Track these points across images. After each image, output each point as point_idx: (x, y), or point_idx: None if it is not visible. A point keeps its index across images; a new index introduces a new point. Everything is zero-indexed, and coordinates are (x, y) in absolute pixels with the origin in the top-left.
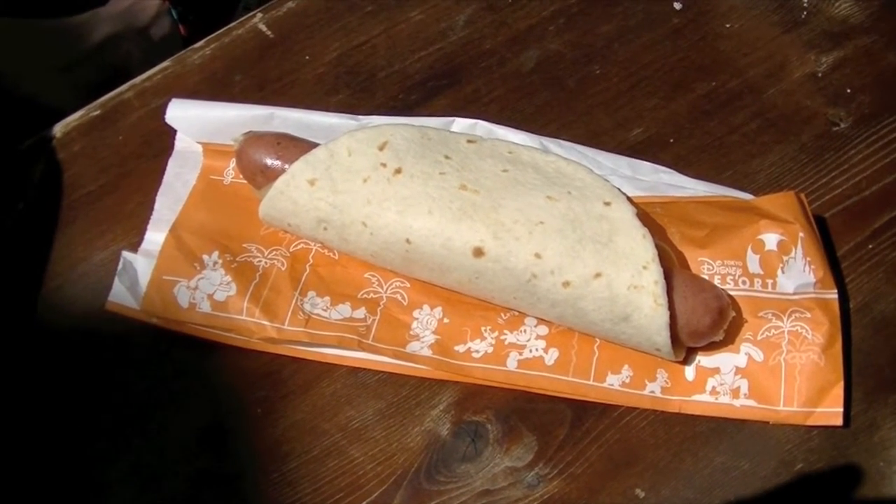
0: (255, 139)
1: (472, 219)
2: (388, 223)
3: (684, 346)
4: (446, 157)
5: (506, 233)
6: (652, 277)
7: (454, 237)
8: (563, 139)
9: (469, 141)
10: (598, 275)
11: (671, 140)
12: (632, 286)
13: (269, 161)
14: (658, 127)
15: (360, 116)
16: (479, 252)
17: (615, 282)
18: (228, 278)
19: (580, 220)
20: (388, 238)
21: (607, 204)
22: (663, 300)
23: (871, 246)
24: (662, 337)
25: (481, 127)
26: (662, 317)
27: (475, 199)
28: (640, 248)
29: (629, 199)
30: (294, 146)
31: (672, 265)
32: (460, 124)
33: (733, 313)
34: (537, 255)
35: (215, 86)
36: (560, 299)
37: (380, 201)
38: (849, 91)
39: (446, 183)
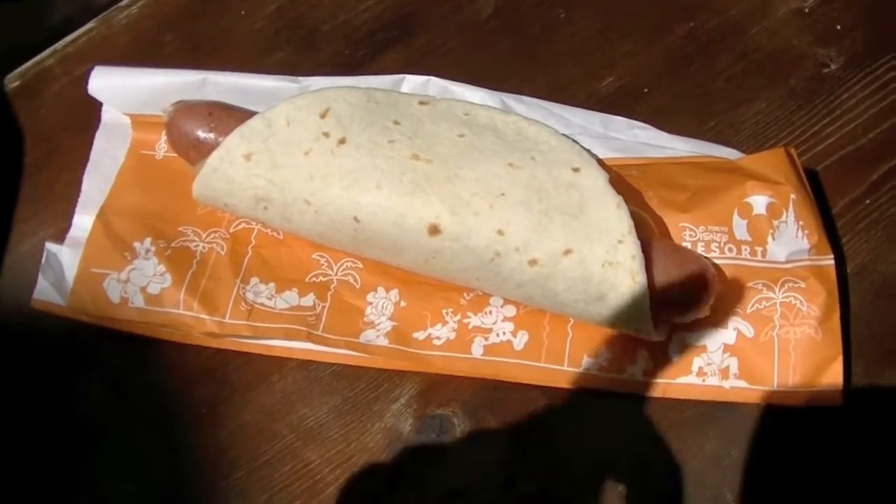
0: (185, 110)
1: (426, 192)
2: (333, 200)
3: (667, 325)
4: (395, 123)
5: (464, 207)
6: (629, 252)
7: (407, 214)
8: (527, 95)
9: (421, 103)
10: (568, 251)
11: (647, 90)
12: (606, 262)
13: (201, 134)
14: (632, 75)
15: (301, 78)
16: (434, 230)
17: (588, 258)
18: (162, 268)
19: (546, 189)
20: (334, 217)
21: (576, 170)
22: (642, 277)
23: (868, 201)
24: (642, 317)
25: (435, 85)
26: (642, 295)
27: (429, 170)
28: (614, 219)
29: (601, 162)
30: (228, 116)
31: (651, 235)
32: (412, 82)
33: (720, 286)
34: (500, 232)
35: (145, 48)
36: (527, 279)
37: (323, 176)
38: (839, 28)
39: (396, 152)
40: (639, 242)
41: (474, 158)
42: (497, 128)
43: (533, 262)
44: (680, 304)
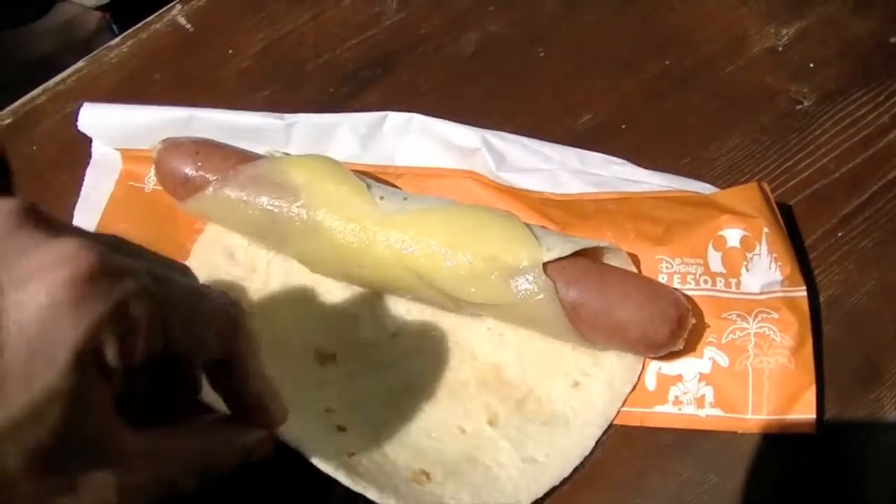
0: (172, 148)
1: None
2: None
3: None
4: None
5: None
6: None
7: None
8: (507, 130)
9: None
10: None
11: (623, 126)
12: None
13: (188, 172)
14: (609, 112)
15: (287, 115)
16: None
17: None
18: None
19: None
20: None
21: None
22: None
23: (840, 234)
24: None
25: (417, 121)
26: None
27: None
28: None
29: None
30: (214, 154)
31: (626, 268)
32: (394, 119)
33: (693, 320)
34: None
35: (134, 86)
36: None
37: None
38: (812, 65)
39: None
40: None
41: None
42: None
43: None
44: (654, 339)
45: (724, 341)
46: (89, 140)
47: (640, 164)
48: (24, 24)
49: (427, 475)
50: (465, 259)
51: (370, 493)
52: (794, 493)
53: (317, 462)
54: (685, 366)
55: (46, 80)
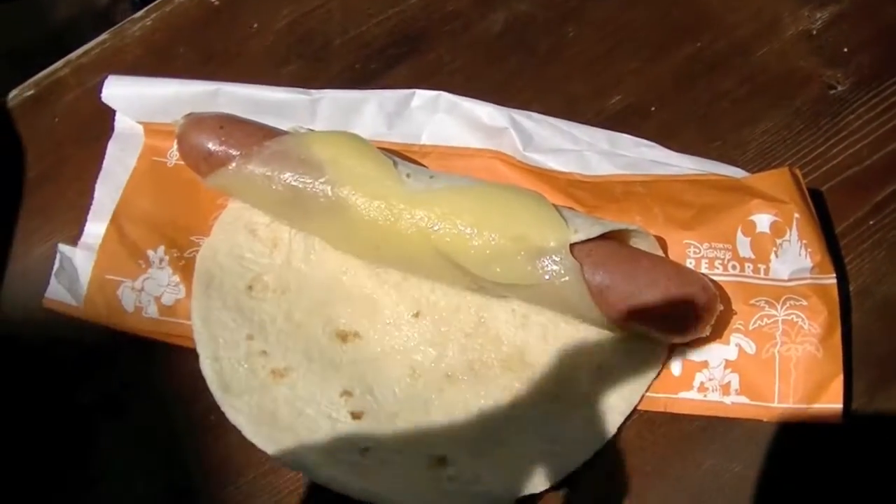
0: (196, 123)
1: None
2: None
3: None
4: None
5: None
6: None
7: None
8: (535, 111)
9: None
10: None
11: (653, 108)
12: None
13: (212, 147)
14: (639, 94)
15: (313, 91)
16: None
17: None
18: (176, 278)
19: None
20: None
21: None
22: None
23: (872, 222)
24: None
25: (444, 99)
26: None
27: None
28: None
29: None
30: (239, 129)
31: (654, 253)
32: (422, 97)
33: (721, 307)
34: None
35: (157, 59)
36: None
37: None
38: (846, 50)
39: None
40: None
41: None
42: None
43: None
44: (680, 324)
45: (751, 328)
46: (112, 113)
47: (670, 147)
48: None
49: (445, 461)
50: (491, 238)
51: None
52: (819, 485)
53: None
54: (711, 352)
55: (65, 48)
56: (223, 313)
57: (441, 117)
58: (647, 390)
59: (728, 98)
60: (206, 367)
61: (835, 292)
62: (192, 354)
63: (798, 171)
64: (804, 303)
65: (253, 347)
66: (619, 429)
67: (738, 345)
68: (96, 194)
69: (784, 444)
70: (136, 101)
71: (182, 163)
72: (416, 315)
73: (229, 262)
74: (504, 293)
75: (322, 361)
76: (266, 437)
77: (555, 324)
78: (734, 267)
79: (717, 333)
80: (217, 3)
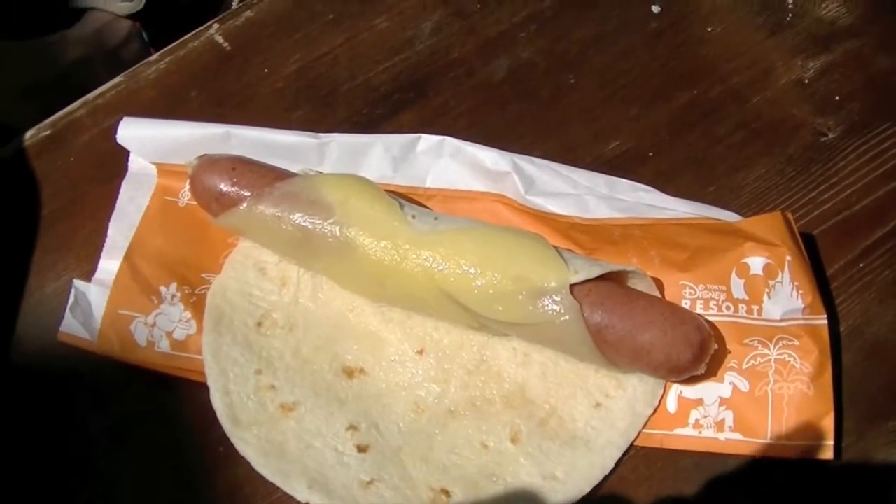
0: (208, 164)
1: None
2: None
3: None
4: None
5: None
6: None
7: None
8: (536, 155)
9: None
10: None
11: (650, 153)
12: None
13: (223, 187)
14: (637, 139)
15: (321, 134)
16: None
17: None
18: (188, 314)
19: None
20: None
21: None
22: None
23: (861, 265)
24: None
25: (449, 144)
26: None
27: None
28: None
29: None
30: (250, 171)
31: (651, 293)
32: (427, 141)
33: (715, 346)
34: None
35: (171, 102)
36: None
37: None
38: (837, 98)
39: None
40: None
41: None
42: None
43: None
44: (677, 363)
45: (744, 367)
46: (126, 154)
47: (666, 192)
48: (56, 32)
49: (447, 494)
50: (493, 278)
51: None
52: None
53: None
54: (706, 390)
55: (78, 86)
56: (233, 349)
57: (446, 161)
58: (643, 427)
59: (723, 144)
60: (217, 401)
61: (825, 333)
62: (203, 387)
63: (790, 216)
64: (796, 343)
65: (262, 382)
66: (617, 464)
67: (732, 383)
68: (110, 232)
69: (776, 480)
70: (149, 142)
71: (193, 203)
72: (420, 352)
73: (239, 300)
74: (506, 332)
75: (328, 396)
76: (274, 468)
77: (555, 362)
78: (728, 308)
79: (711, 372)
80: (229, 48)
